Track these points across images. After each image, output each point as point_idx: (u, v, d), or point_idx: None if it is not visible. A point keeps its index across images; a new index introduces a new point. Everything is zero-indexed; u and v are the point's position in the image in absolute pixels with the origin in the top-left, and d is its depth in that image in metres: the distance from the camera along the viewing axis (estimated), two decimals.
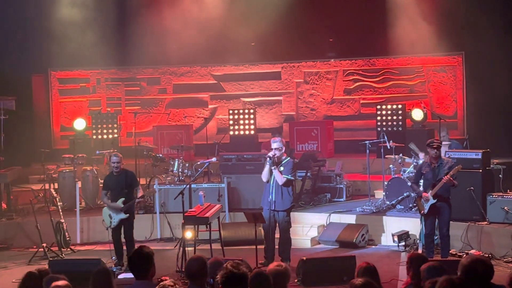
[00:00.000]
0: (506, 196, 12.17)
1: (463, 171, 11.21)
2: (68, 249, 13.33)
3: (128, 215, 11.89)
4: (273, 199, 11.26)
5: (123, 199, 11.82)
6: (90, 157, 16.27)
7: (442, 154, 11.83)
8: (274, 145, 11.39)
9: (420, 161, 13.49)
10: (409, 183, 13.55)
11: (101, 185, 13.24)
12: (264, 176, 11.39)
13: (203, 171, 14.14)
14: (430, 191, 11.02)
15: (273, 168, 11.24)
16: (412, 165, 13.82)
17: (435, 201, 11.01)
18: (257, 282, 5.75)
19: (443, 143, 12.63)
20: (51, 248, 12.99)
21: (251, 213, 11.29)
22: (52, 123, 20.37)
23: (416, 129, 17.13)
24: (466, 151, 13.05)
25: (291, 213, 11.79)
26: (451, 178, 10.78)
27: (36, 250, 12.90)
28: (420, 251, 11.47)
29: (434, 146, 11.04)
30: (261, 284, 5.76)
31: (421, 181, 11.55)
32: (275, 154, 11.29)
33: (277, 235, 11.62)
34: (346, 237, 12.95)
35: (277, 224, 11.49)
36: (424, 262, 6.46)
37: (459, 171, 10.91)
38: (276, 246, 11.60)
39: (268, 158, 11.31)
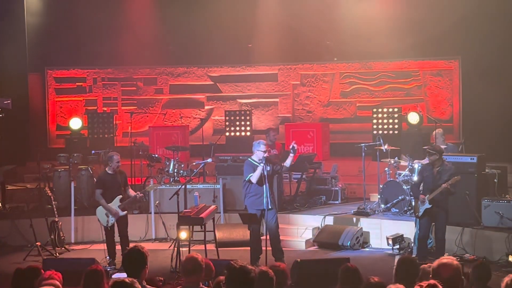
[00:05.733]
0: (501, 201, 12.20)
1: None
2: (63, 248, 13.32)
3: (126, 212, 12.01)
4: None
5: (120, 196, 11.91)
6: (85, 157, 16.25)
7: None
8: None
9: (416, 165, 13.53)
10: (405, 186, 13.60)
11: None
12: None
13: (199, 172, 14.14)
14: (428, 195, 11.07)
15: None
16: (408, 169, 13.84)
17: (430, 206, 11.07)
18: (261, 281, 5.72)
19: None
20: (45, 247, 12.97)
21: (246, 214, 11.29)
22: (48, 122, 20.34)
23: (412, 133, 17.13)
24: (461, 155, 13.07)
25: (287, 215, 11.76)
26: (448, 187, 10.85)
27: (30, 249, 12.89)
28: (414, 254, 11.49)
29: (428, 153, 11.17)
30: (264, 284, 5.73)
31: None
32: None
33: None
34: (340, 239, 12.95)
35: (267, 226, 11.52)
36: (413, 265, 6.49)
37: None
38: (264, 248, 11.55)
39: None
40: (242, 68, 20.34)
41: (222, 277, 5.88)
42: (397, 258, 12.08)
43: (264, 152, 11.32)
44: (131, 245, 7.39)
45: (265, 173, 11.12)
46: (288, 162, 11.64)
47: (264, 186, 11.15)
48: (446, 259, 5.57)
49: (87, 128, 18.69)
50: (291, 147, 11.48)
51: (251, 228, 11.30)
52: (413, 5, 18.06)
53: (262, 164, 11.17)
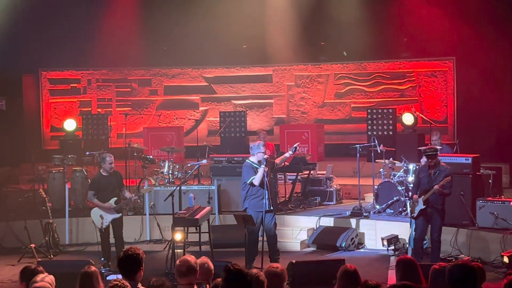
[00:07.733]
0: (496, 201, 12.21)
1: (453, 175, 11.27)
2: (57, 250, 13.28)
3: (120, 214, 12.03)
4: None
5: (115, 198, 11.90)
6: (80, 158, 16.22)
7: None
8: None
9: (410, 166, 13.55)
10: (399, 187, 13.62)
11: None
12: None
13: (194, 173, 14.13)
14: (422, 197, 11.08)
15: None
16: (402, 169, 13.85)
17: (424, 207, 11.08)
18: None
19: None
20: (40, 249, 12.94)
21: (241, 215, 11.28)
22: (42, 123, 20.27)
23: (406, 134, 17.16)
24: (456, 155, 13.08)
25: (282, 216, 11.74)
26: (441, 189, 10.85)
27: (25, 251, 12.85)
28: (409, 255, 11.50)
29: (428, 155, 11.16)
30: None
31: None
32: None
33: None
34: (335, 240, 12.95)
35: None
36: (412, 266, 6.49)
37: (453, 179, 11.00)
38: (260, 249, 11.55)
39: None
40: (236, 69, 20.33)
41: (220, 279, 5.88)
42: (392, 259, 12.11)
43: (264, 153, 11.34)
44: (126, 246, 7.37)
45: (266, 175, 11.13)
46: (279, 159, 11.77)
47: (265, 187, 11.16)
48: (462, 260, 5.63)
49: (82, 130, 18.66)
50: (293, 146, 11.54)
51: (249, 229, 11.26)
52: (408, 5, 18.06)
53: (263, 166, 11.17)
